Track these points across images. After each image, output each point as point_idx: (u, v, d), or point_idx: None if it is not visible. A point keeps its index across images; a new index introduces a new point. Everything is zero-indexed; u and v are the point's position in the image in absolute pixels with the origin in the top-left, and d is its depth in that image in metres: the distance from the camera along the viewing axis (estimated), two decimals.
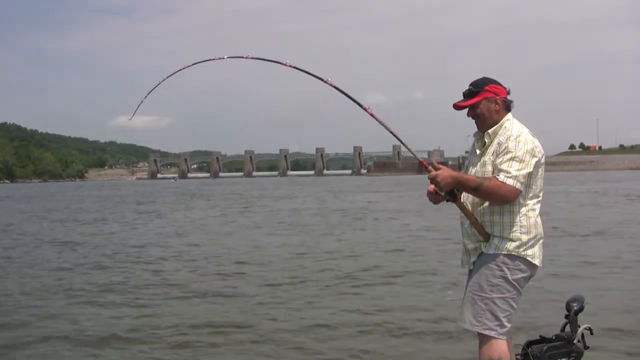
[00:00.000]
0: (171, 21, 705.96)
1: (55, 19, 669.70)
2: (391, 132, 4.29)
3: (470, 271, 4.30)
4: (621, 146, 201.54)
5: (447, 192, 4.07)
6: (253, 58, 4.88)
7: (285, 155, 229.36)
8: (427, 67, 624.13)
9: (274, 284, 10.73)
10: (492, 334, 4.07)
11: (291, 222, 24.67)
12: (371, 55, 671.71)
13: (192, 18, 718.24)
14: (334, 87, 4.41)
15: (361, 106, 4.30)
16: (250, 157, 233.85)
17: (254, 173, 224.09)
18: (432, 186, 4.12)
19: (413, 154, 4.44)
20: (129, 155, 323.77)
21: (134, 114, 5.88)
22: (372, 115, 4.24)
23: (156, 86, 5.48)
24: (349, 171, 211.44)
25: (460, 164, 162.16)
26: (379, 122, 4.26)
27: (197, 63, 5.18)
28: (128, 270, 12.60)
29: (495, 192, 3.97)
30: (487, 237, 4.15)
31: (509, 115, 4.23)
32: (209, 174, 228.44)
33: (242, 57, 4.97)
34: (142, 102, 5.61)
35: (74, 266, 13.29)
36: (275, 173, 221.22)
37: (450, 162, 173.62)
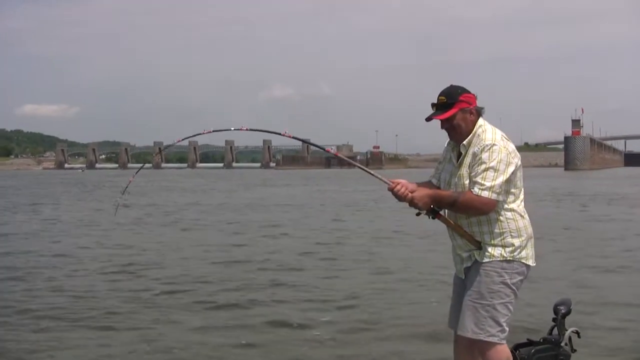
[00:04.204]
0: (82, 8, 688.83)
1: None
2: (361, 168, 4.57)
3: (462, 279, 4.29)
4: (526, 144, 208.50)
5: (429, 211, 4.12)
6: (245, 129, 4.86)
7: (194, 147, 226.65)
8: (336, 63, 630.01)
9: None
10: (495, 340, 4.08)
11: (170, 217, 23.73)
12: (280, 49, 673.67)
13: (105, 5, 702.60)
14: (293, 137, 4.77)
15: (324, 150, 5.14)
16: (160, 148, 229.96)
17: (163, 165, 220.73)
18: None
19: (381, 179, 4.25)
20: (36, 144, 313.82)
21: (133, 177, 5.16)
22: (336, 155, 4.24)
23: (169, 146, 5.39)
24: (258, 164, 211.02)
25: (368, 159, 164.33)
26: (349, 162, 4.97)
27: (216, 131, 5.01)
28: None
29: (471, 206, 4.01)
30: (478, 244, 4.15)
31: (481, 121, 4.20)
32: (117, 165, 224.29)
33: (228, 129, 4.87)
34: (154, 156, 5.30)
35: None
36: (185, 165, 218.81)
37: (359, 157, 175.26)
